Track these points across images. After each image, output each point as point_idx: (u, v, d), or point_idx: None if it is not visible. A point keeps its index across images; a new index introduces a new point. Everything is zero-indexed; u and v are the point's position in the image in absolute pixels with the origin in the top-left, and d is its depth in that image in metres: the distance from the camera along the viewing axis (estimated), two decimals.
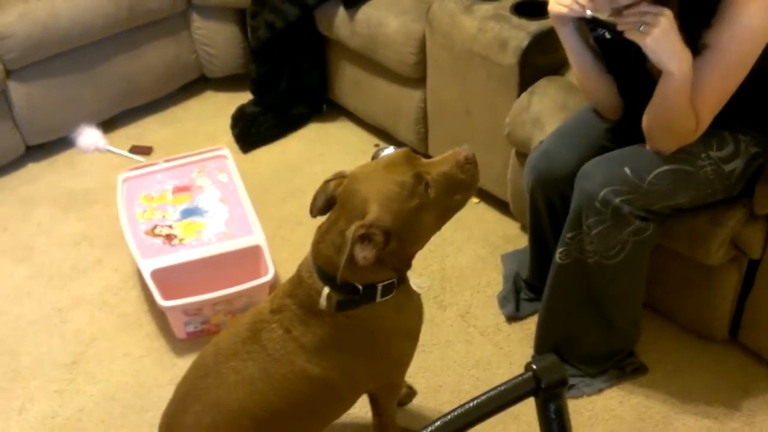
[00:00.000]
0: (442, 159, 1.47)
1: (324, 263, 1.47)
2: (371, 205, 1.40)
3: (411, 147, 2.69)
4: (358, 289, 1.47)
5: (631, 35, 1.54)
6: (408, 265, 1.55)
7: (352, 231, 1.38)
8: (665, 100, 1.60)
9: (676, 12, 1.55)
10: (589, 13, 1.62)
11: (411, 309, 1.62)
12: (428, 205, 1.43)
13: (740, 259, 1.87)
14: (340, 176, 1.50)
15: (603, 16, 1.63)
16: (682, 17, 1.56)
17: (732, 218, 1.78)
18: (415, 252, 1.53)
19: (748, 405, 1.92)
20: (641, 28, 1.51)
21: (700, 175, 1.71)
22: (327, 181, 1.51)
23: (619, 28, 1.56)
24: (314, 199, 1.52)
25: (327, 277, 1.47)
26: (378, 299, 1.50)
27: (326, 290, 1.47)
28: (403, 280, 1.55)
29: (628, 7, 1.54)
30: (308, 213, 1.54)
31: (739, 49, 1.55)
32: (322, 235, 1.49)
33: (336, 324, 1.50)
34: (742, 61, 1.57)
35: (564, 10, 1.67)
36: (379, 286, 1.48)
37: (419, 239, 1.50)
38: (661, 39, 1.51)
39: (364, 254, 1.39)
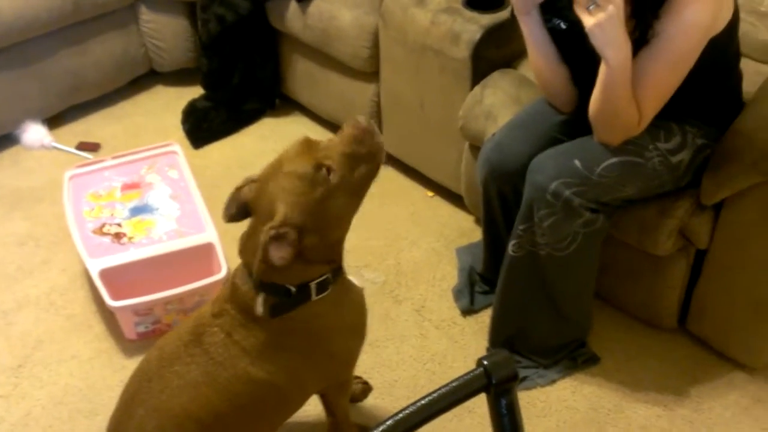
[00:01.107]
0: (339, 138, 1.43)
1: (251, 269, 1.45)
2: (277, 205, 1.38)
3: None
4: (290, 290, 1.45)
5: (579, 10, 1.55)
6: (338, 255, 1.51)
7: (263, 233, 1.36)
8: (606, 90, 1.62)
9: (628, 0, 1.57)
10: None
11: (351, 304, 1.60)
12: (335, 190, 1.40)
13: (688, 249, 1.90)
14: (250, 182, 1.47)
15: None
16: (634, 5, 1.57)
17: (680, 209, 1.81)
18: (340, 239, 1.49)
19: (697, 392, 1.96)
20: (590, 7, 1.53)
21: (648, 166, 1.73)
22: (238, 188, 1.48)
23: None
24: (226, 207, 1.49)
25: (260, 283, 1.45)
26: (313, 298, 1.47)
27: (261, 296, 1.45)
28: (338, 275, 1.52)
29: None
30: None
31: (683, 43, 1.57)
32: (244, 242, 1.48)
33: (276, 327, 1.48)
34: (686, 55, 1.59)
35: None
36: (313, 285, 1.46)
37: (337, 225, 1.47)
38: (604, 24, 1.52)
39: (280, 254, 1.37)
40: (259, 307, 1.45)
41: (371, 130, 1.43)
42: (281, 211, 1.37)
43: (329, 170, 1.39)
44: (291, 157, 1.41)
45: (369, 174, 1.45)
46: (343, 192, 1.41)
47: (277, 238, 1.36)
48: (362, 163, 1.43)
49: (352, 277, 1.64)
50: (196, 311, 1.59)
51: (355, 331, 1.63)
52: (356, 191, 1.45)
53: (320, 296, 1.48)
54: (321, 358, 1.57)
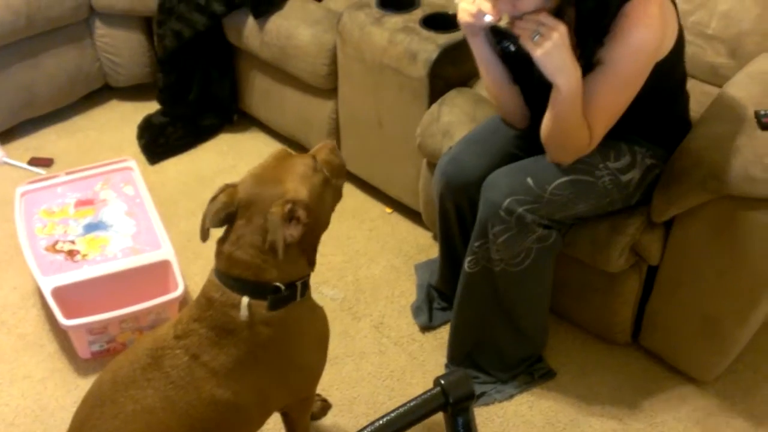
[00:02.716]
0: (316, 150, 1.58)
1: (243, 270, 1.45)
2: (287, 185, 1.45)
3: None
4: (280, 288, 1.46)
5: (524, 42, 1.59)
6: (314, 256, 1.55)
7: (278, 210, 1.40)
8: (557, 113, 1.66)
9: (572, 28, 1.60)
10: (488, 19, 1.66)
11: (320, 315, 1.64)
12: (328, 183, 1.52)
13: (640, 265, 1.94)
14: (226, 187, 1.48)
15: (503, 23, 1.67)
16: (578, 34, 1.61)
17: (631, 226, 1.85)
18: (319, 237, 1.56)
19: (651, 405, 2.00)
20: (535, 38, 1.56)
21: (598, 185, 1.77)
22: (214, 198, 1.47)
23: (515, 31, 1.60)
24: (214, 213, 1.46)
25: (246, 287, 1.45)
26: (298, 298, 1.51)
27: (245, 299, 1.44)
28: (307, 285, 1.55)
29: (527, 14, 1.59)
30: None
31: (628, 67, 1.61)
32: (234, 244, 1.46)
33: (253, 337, 1.47)
34: (632, 78, 1.64)
35: (470, 19, 1.70)
36: (299, 284, 1.50)
37: (325, 219, 1.56)
38: (552, 52, 1.56)
39: (290, 232, 1.42)
40: (243, 310, 1.44)
41: (336, 147, 1.62)
42: (291, 189, 1.44)
43: (322, 163, 1.52)
44: (281, 158, 1.51)
45: (341, 185, 1.60)
46: (330, 188, 1.54)
47: (290, 215, 1.41)
48: (336, 172, 1.57)
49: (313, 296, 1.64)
50: (152, 332, 1.56)
51: (323, 343, 1.65)
52: (335, 195, 1.58)
53: (302, 299, 1.52)
54: (290, 371, 1.56)
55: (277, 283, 1.46)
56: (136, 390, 1.46)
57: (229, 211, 1.46)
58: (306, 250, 1.50)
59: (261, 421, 1.62)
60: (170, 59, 2.76)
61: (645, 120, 1.77)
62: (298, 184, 1.45)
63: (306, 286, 1.53)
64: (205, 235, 1.49)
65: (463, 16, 1.72)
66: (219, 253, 1.49)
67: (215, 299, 1.47)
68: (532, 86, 1.79)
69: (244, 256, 1.44)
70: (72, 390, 2.02)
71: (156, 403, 1.45)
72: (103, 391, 1.50)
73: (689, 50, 1.82)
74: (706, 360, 1.99)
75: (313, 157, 1.53)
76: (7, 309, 2.25)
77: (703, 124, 1.81)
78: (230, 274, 1.46)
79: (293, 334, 1.53)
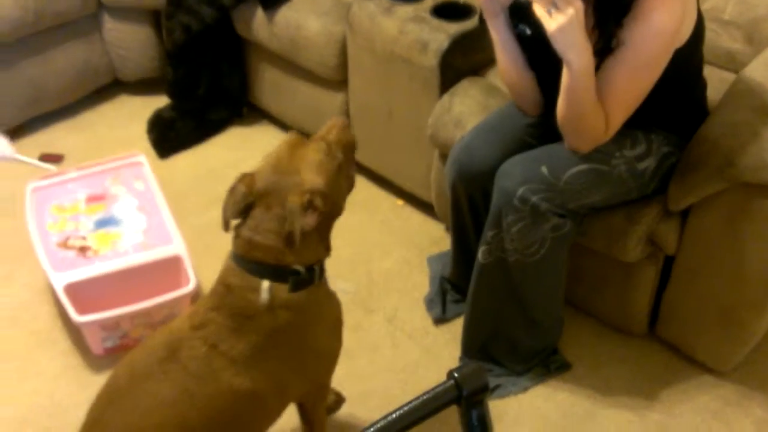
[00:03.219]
0: (327, 129, 1.56)
1: (263, 254, 1.45)
2: (304, 174, 1.45)
3: None
4: (299, 271, 1.47)
5: (540, 15, 1.56)
6: (329, 241, 1.56)
7: (296, 200, 1.41)
8: (570, 94, 1.63)
9: (590, 5, 1.58)
10: None
11: (335, 300, 1.64)
12: (342, 166, 1.52)
13: (657, 255, 1.92)
14: (244, 177, 1.48)
15: None
16: (598, 12, 1.59)
17: (647, 215, 1.83)
18: (334, 221, 1.56)
19: (668, 397, 1.97)
20: (551, 10, 1.53)
21: (614, 174, 1.75)
22: (233, 188, 1.47)
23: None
24: (233, 203, 1.47)
25: (266, 270, 1.45)
26: (316, 281, 1.51)
27: (266, 283, 1.45)
28: (323, 269, 1.56)
29: None
30: None
31: (648, 50, 1.59)
32: (253, 230, 1.46)
33: (272, 322, 1.47)
34: (652, 63, 1.61)
35: None
36: (317, 267, 1.51)
37: (341, 203, 1.55)
38: (565, 28, 1.53)
39: (307, 220, 1.43)
40: (264, 294, 1.44)
41: (348, 124, 1.60)
42: (308, 178, 1.45)
43: (336, 146, 1.52)
44: (293, 145, 1.49)
45: (353, 160, 1.59)
46: (344, 171, 1.54)
47: (308, 204, 1.42)
48: (348, 149, 1.56)
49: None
50: (167, 325, 1.56)
51: (338, 328, 1.65)
52: (349, 176, 1.58)
53: (321, 279, 1.54)
54: (308, 357, 1.56)
55: (297, 267, 1.47)
56: (153, 383, 1.45)
57: (248, 202, 1.46)
58: (323, 234, 1.52)
59: (278, 412, 1.61)
60: (179, 53, 2.75)
61: (662, 107, 1.73)
62: (314, 172, 1.46)
63: (323, 269, 1.55)
64: (227, 225, 1.49)
65: None
66: (238, 238, 1.48)
67: (234, 285, 1.47)
68: (547, 71, 1.76)
69: (264, 241, 1.45)
70: (85, 386, 2.02)
71: (174, 396, 1.44)
72: (119, 386, 1.49)
73: (706, 35, 1.79)
74: (724, 350, 1.96)
75: (326, 141, 1.52)
76: (20, 306, 2.25)
77: (719, 111, 1.78)
78: (250, 258, 1.46)
79: (311, 318, 1.54)
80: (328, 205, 1.46)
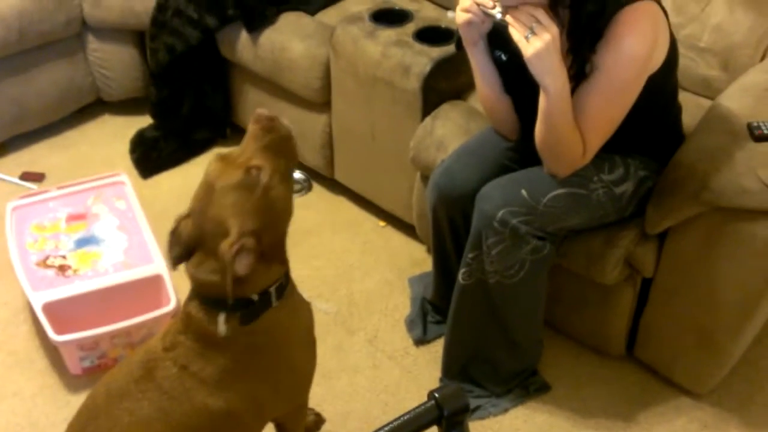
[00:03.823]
0: (250, 136, 1.45)
1: (209, 291, 1.44)
2: (228, 222, 1.38)
3: (317, 171, 2.70)
4: (253, 300, 1.45)
5: (516, 38, 1.58)
6: (284, 254, 1.51)
7: (225, 252, 1.36)
8: (547, 118, 1.65)
9: (566, 31, 1.61)
10: (497, 13, 1.62)
11: (304, 311, 1.61)
12: (270, 184, 1.41)
13: (634, 277, 1.94)
14: (182, 218, 1.47)
15: (496, 11, 1.63)
16: (572, 37, 1.62)
17: (625, 238, 1.85)
18: (284, 234, 1.49)
19: (646, 419, 1.99)
20: (528, 36, 1.56)
21: (592, 197, 1.77)
22: (174, 230, 1.46)
23: (507, 19, 1.59)
24: (170, 251, 1.47)
25: (218, 303, 1.43)
26: (274, 303, 1.47)
27: (222, 315, 1.44)
28: (289, 280, 1.53)
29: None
30: None
31: (621, 76, 1.62)
32: (197, 267, 1.45)
33: (238, 347, 1.46)
34: (625, 88, 1.64)
35: (468, 16, 1.68)
36: (272, 290, 1.46)
37: (284, 215, 1.48)
38: (542, 53, 1.56)
39: (243, 264, 1.38)
40: (221, 326, 1.43)
41: (266, 117, 1.45)
42: (234, 224, 1.38)
43: (258, 169, 1.40)
44: (216, 176, 1.41)
45: (292, 155, 1.48)
46: (277, 182, 1.43)
47: (240, 251, 1.37)
48: (281, 148, 1.45)
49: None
50: (144, 345, 1.55)
51: (310, 341, 1.63)
52: (287, 176, 1.47)
53: (279, 302, 1.48)
54: (282, 374, 1.54)
55: (251, 296, 1.44)
56: (131, 402, 1.45)
57: (189, 245, 1.45)
58: (273, 255, 1.46)
59: (257, 431, 1.60)
60: (163, 73, 2.76)
61: (638, 132, 1.77)
62: (237, 215, 1.38)
63: (282, 287, 1.49)
64: (174, 266, 1.48)
65: (460, 16, 1.70)
66: (188, 275, 1.47)
67: (194, 315, 1.46)
68: (524, 96, 1.79)
69: (207, 278, 1.43)
70: (62, 406, 2.00)
71: (151, 415, 1.44)
72: (97, 405, 1.49)
73: (682, 63, 1.83)
74: (701, 372, 1.98)
75: (245, 165, 1.40)
76: None
77: (695, 136, 1.82)
78: (203, 292, 1.46)
79: (277, 338, 1.51)
80: (266, 236, 1.41)
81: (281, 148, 1.45)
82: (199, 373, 1.45)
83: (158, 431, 1.44)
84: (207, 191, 1.42)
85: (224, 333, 1.43)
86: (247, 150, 1.43)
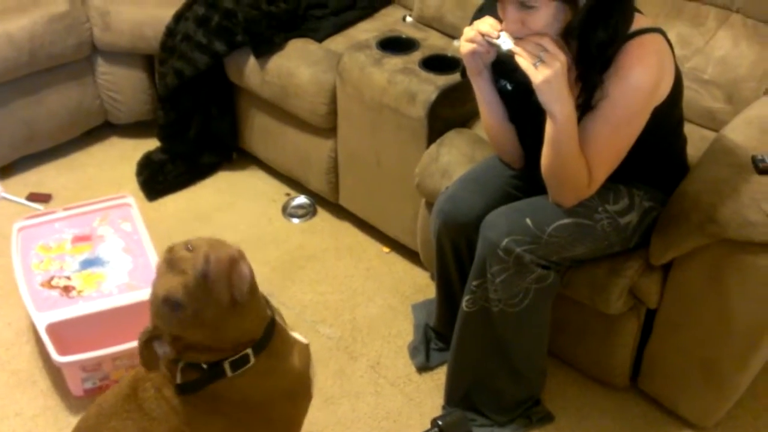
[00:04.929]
0: (193, 263, 1.34)
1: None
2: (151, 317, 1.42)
3: (321, 196, 2.71)
4: (202, 367, 1.44)
5: (524, 66, 1.58)
6: (251, 336, 1.45)
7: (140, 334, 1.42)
8: (554, 145, 1.66)
9: (575, 60, 1.62)
10: (504, 43, 1.62)
11: (285, 372, 1.53)
12: (189, 317, 1.36)
13: (639, 308, 1.93)
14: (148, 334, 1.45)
15: (503, 46, 1.63)
16: (580, 66, 1.63)
17: (630, 269, 1.85)
18: (220, 343, 1.43)
19: None
20: (536, 63, 1.57)
21: (597, 228, 1.77)
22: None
23: (514, 49, 1.60)
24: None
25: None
26: (229, 374, 1.43)
27: (181, 365, 1.45)
28: (265, 346, 1.47)
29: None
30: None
31: (627, 107, 1.63)
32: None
33: (205, 392, 1.45)
34: (631, 119, 1.65)
35: (472, 46, 1.69)
36: (226, 363, 1.43)
37: (214, 331, 1.41)
38: (551, 81, 1.57)
39: (163, 350, 1.41)
40: (178, 376, 1.45)
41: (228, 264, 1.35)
42: (151, 322, 1.43)
43: (177, 304, 1.34)
44: (159, 275, 1.39)
45: (231, 295, 1.36)
46: (203, 313, 1.36)
47: (150, 341, 1.41)
48: (220, 289, 1.34)
49: (296, 333, 1.61)
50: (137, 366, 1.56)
51: (294, 396, 1.57)
52: (222, 312, 1.37)
53: (240, 371, 1.44)
54: (257, 425, 1.52)
55: (201, 363, 1.44)
56: (117, 421, 1.47)
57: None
58: (214, 347, 1.42)
59: None
60: (171, 97, 2.78)
61: (643, 163, 1.77)
62: (154, 318, 1.42)
63: (244, 359, 1.44)
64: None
65: (464, 46, 1.71)
66: None
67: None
68: (528, 125, 1.80)
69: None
70: (63, 428, 1.99)
71: None
72: (88, 425, 1.51)
73: (687, 95, 1.84)
74: (706, 405, 1.97)
75: (166, 299, 1.34)
76: (1, 345, 2.23)
77: (700, 167, 1.82)
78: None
79: (245, 398, 1.48)
80: (189, 338, 1.40)
81: (220, 288, 1.35)
82: (172, 400, 1.46)
83: None
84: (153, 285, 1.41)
85: (179, 381, 1.45)
86: (186, 272, 1.35)
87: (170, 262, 1.38)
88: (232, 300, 1.35)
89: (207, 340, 1.41)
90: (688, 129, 1.95)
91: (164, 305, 1.35)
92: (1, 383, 2.12)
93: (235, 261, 1.35)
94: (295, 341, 1.58)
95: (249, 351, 1.44)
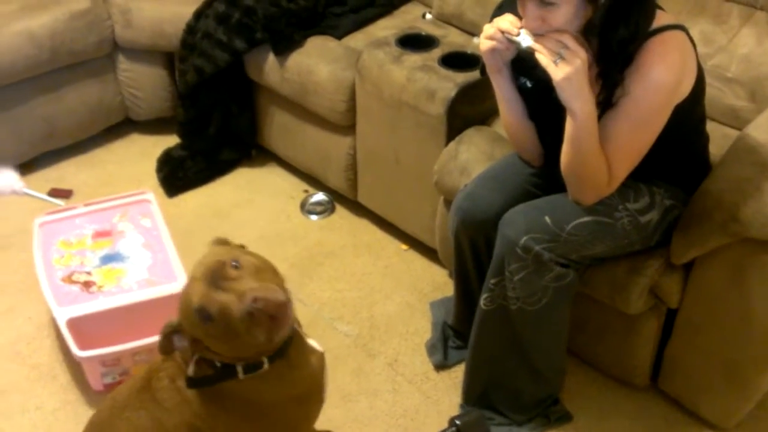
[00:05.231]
0: (240, 292, 1.32)
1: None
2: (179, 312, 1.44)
3: (340, 193, 2.71)
4: (216, 365, 1.45)
5: (544, 63, 1.57)
6: (269, 348, 1.44)
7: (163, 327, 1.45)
8: (574, 143, 1.65)
9: (596, 56, 1.61)
10: (524, 40, 1.60)
11: (298, 379, 1.53)
12: (215, 334, 1.37)
13: (659, 307, 1.92)
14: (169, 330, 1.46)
15: (523, 42, 1.62)
16: (601, 63, 1.62)
17: (650, 268, 1.83)
18: (236, 356, 1.43)
19: None
20: (557, 60, 1.56)
21: (617, 226, 1.76)
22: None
23: (534, 46, 1.58)
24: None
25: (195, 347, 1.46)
26: (240, 377, 1.44)
27: (195, 357, 1.46)
28: (282, 355, 1.47)
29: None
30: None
31: (648, 104, 1.61)
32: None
33: (215, 388, 1.47)
34: (652, 117, 1.63)
35: (492, 44, 1.68)
36: (239, 365, 1.44)
37: (226, 351, 1.42)
38: (572, 78, 1.56)
39: (182, 344, 1.44)
40: (190, 369, 1.46)
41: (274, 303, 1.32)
42: (178, 318, 1.44)
43: (209, 317, 1.34)
44: (198, 282, 1.38)
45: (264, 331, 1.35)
46: (231, 335, 1.35)
47: (171, 334, 1.43)
48: (257, 332, 1.33)
49: (312, 341, 1.60)
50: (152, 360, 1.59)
51: (305, 401, 1.57)
52: (248, 341, 1.36)
53: (251, 374, 1.44)
54: (265, 423, 1.52)
55: (215, 361, 1.45)
56: (131, 411, 1.48)
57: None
58: (228, 356, 1.43)
59: None
60: (191, 94, 2.80)
61: (664, 161, 1.76)
62: (180, 317, 1.44)
63: (257, 365, 1.45)
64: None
65: (484, 44, 1.70)
66: None
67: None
68: (548, 123, 1.79)
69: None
70: (83, 422, 1.97)
71: (147, 424, 1.47)
72: (102, 417, 1.53)
73: (709, 93, 1.82)
74: (727, 406, 1.95)
75: (201, 309, 1.34)
76: (22, 339, 2.25)
77: (723, 166, 1.80)
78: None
79: (254, 400, 1.49)
80: (208, 344, 1.42)
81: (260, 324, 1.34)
82: (184, 391, 1.47)
83: None
84: (192, 282, 1.41)
85: (190, 374, 1.46)
86: (233, 290, 1.33)
87: (214, 274, 1.35)
88: (268, 339, 1.35)
89: (227, 353, 1.42)
90: (711, 127, 1.93)
91: (196, 314, 1.35)
92: (22, 377, 2.14)
93: (282, 308, 1.32)
94: (312, 349, 1.58)
95: (264, 358, 1.45)
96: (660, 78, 1.58)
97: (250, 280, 1.34)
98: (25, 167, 2.88)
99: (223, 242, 1.52)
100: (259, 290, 1.30)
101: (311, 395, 1.58)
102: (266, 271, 1.41)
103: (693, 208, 1.77)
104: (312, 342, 1.59)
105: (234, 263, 1.37)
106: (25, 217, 2.57)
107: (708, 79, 1.79)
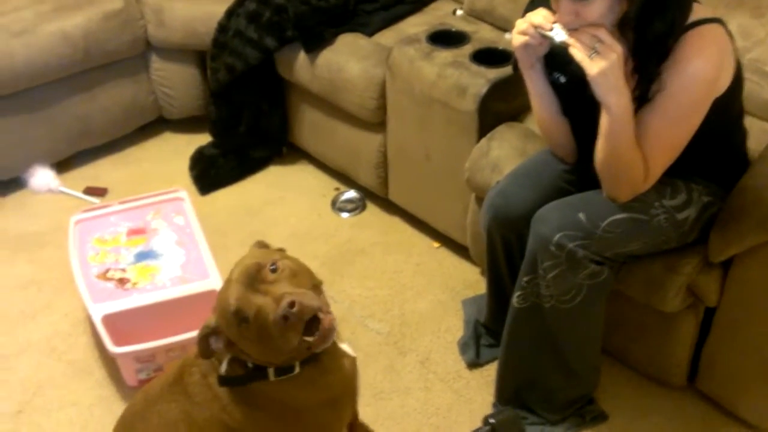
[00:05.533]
0: (276, 297, 1.34)
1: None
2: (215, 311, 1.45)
3: (370, 190, 2.71)
4: (248, 366, 1.47)
5: (579, 58, 1.55)
6: (301, 355, 1.44)
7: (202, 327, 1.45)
8: (609, 138, 1.62)
9: (632, 51, 1.58)
10: (558, 35, 1.58)
11: (329, 383, 1.53)
12: (251, 337, 1.38)
13: (697, 306, 1.88)
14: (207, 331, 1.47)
15: (557, 38, 1.60)
16: (637, 58, 1.59)
17: (687, 265, 1.80)
18: (268, 359, 1.44)
19: None
20: (592, 55, 1.54)
21: (653, 223, 1.73)
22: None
23: (568, 40, 1.57)
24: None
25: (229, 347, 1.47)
26: (271, 378, 1.46)
27: (228, 357, 1.46)
28: (314, 359, 1.47)
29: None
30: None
31: (686, 99, 1.58)
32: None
33: (245, 387, 1.48)
34: (690, 111, 1.60)
35: (525, 39, 1.66)
36: (270, 369, 1.45)
37: (259, 354, 1.43)
38: (607, 72, 1.53)
39: (218, 345, 1.44)
40: (223, 367, 1.47)
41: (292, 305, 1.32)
42: (213, 318, 1.45)
43: (245, 319, 1.35)
44: (236, 284, 1.38)
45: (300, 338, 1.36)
46: (265, 337, 1.36)
47: (209, 335, 1.44)
48: (290, 336, 1.34)
49: (345, 345, 1.59)
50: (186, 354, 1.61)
51: (335, 405, 1.57)
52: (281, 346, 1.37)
53: (282, 377, 1.46)
54: (294, 424, 1.52)
55: (247, 362, 1.47)
56: (163, 404, 1.51)
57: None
58: (260, 359, 1.45)
59: None
60: (223, 92, 2.81)
61: (702, 157, 1.72)
62: (217, 317, 1.44)
63: (289, 369, 1.45)
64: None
65: (517, 39, 1.68)
66: None
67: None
68: (582, 118, 1.76)
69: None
70: (118, 417, 2.03)
71: (177, 417, 1.49)
72: (135, 410, 1.56)
73: (747, 87, 1.78)
74: (767, 406, 1.91)
75: (237, 312, 1.35)
76: (58, 335, 2.28)
77: (762, 162, 1.77)
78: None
79: (283, 401, 1.50)
80: (241, 346, 1.42)
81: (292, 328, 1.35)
82: (215, 387, 1.48)
83: None
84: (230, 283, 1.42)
85: (221, 373, 1.47)
86: (269, 293, 1.36)
87: (253, 277, 1.37)
88: (304, 346, 1.36)
89: (259, 356, 1.43)
90: (749, 122, 1.89)
91: (233, 316, 1.37)
92: (58, 373, 2.17)
93: (317, 318, 1.34)
94: (344, 353, 1.58)
95: (296, 363, 1.46)
96: (698, 72, 1.55)
97: (287, 285, 1.36)
98: (61, 166, 2.93)
99: (262, 245, 1.53)
100: (296, 295, 1.32)
101: (342, 399, 1.58)
102: (303, 275, 1.42)
103: (731, 204, 1.74)
104: (344, 346, 1.59)
105: (272, 267, 1.39)
106: (61, 214, 2.62)
107: (746, 74, 1.76)
